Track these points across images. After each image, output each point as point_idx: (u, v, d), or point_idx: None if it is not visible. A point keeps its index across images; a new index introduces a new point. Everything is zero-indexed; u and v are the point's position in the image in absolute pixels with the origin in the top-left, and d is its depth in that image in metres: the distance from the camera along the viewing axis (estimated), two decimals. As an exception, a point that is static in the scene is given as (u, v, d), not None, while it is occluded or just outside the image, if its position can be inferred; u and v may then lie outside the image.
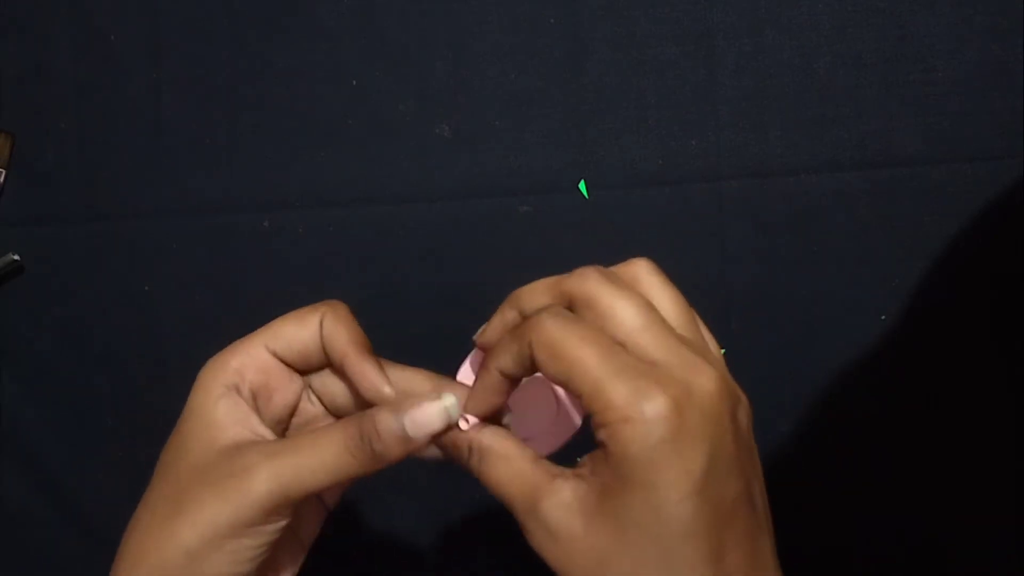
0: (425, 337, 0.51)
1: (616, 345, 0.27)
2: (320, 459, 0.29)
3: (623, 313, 0.28)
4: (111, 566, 0.30)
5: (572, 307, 0.29)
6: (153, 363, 0.55)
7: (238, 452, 0.30)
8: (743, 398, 0.29)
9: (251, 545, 0.29)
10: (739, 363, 0.49)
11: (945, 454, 0.48)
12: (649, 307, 0.28)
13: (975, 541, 0.47)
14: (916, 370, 0.48)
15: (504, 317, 0.31)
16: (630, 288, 0.29)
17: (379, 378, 0.31)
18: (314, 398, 0.35)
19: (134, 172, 0.55)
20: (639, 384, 0.26)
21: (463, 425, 0.30)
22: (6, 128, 0.57)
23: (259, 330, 0.33)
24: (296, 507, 0.30)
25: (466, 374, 0.34)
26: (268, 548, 0.29)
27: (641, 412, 0.25)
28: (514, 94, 0.52)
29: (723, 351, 0.50)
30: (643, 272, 0.30)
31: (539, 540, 0.27)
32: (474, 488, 0.51)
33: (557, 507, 0.27)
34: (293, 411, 0.34)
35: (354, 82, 0.54)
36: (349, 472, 0.29)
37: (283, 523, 0.29)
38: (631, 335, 0.27)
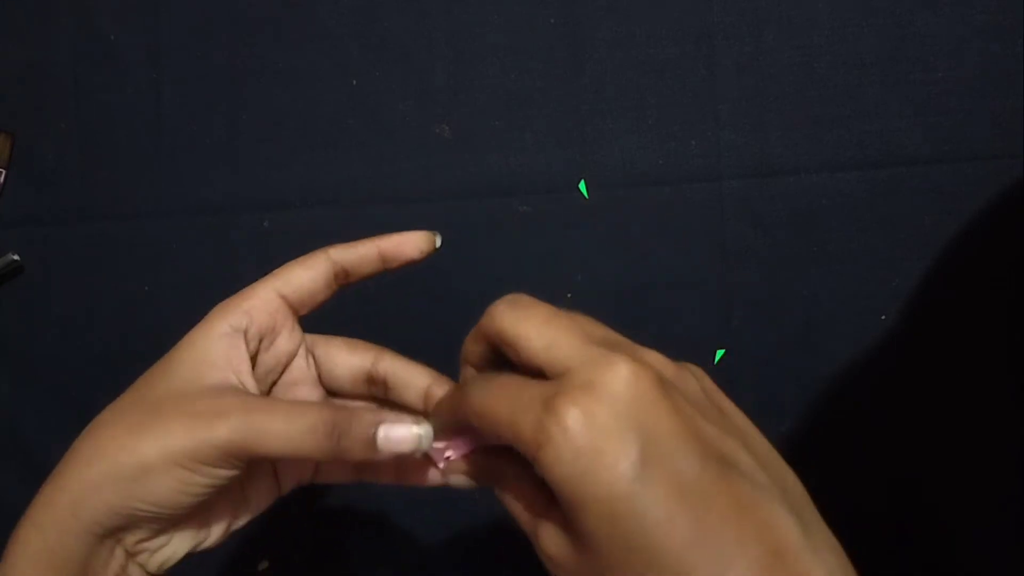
0: (424, 337, 0.51)
1: (524, 381, 0.27)
2: (288, 428, 0.30)
3: (528, 337, 0.28)
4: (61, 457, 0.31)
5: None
6: (153, 363, 0.55)
7: (219, 393, 0.31)
8: (684, 367, 0.29)
9: (199, 482, 0.30)
10: (739, 363, 0.50)
11: (946, 454, 0.48)
12: (548, 319, 0.28)
13: (977, 540, 0.47)
14: (916, 370, 0.48)
15: (463, 373, 0.33)
16: (530, 309, 0.29)
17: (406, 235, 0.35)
18: (311, 362, 0.36)
19: (134, 172, 0.55)
20: (542, 409, 0.26)
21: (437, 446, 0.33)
22: (6, 128, 0.57)
23: (269, 276, 0.35)
24: (250, 462, 0.31)
25: None
26: (213, 490, 0.30)
27: (548, 436, 0.25)
28: (514, 94, 0.52)
29: (723, 351, 0.51)
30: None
31: (546, 564, 0.28)
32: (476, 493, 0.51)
33: (550, 537, 0.27)
34: (287, 364, 0.35)
35: (354, 82, 0.54)
36: (308, 452, 0.30)
37: (234, 472, 0.30)
38: (539, 356, 0.28)
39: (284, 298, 0.34)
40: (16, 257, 0.56)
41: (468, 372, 0.33)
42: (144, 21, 0.56)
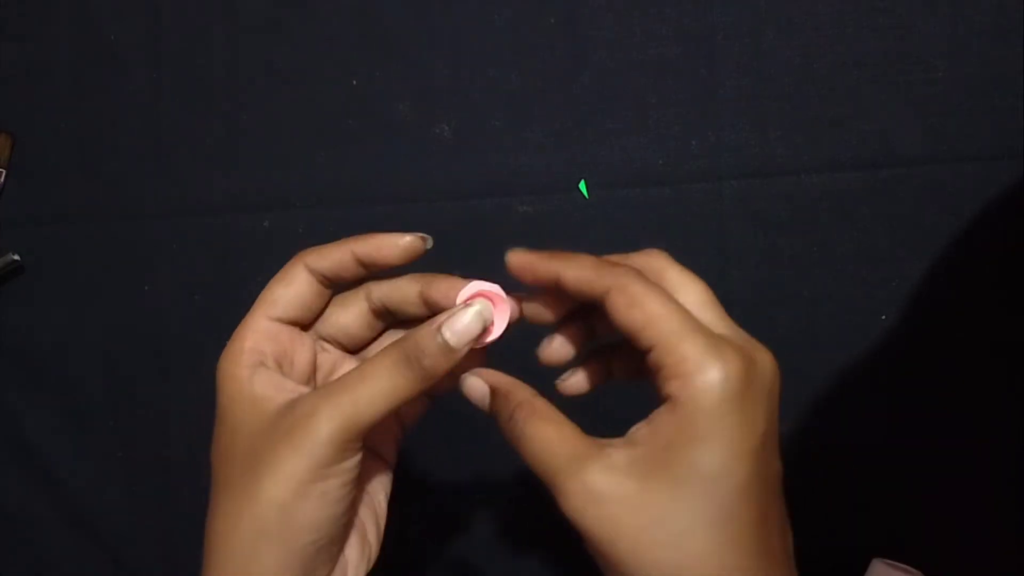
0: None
1: (689, 312, 0.29)
2: (374, 387, 0.30)
3: (690, 289, 0.31)
4: (202, 544, 0.31)
5: None
6: (153, 363, 0.55)
7: (294, 404, 0.31)
8: None
9: (336, 484, 0.30)
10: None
11: (945, 454, 0.48)
12: (709, 289, 0.31)
13: (977, 541, 0.47)
14: (916, 370, 0.48)
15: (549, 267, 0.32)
16: (690, 271, 0.31)
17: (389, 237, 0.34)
18: (327, 346, 0.36)
19: (134, 172, 0.55)
20: (714, 342, 0.28)
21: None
22: (6, 128, 0.57)
23: (254, 306, 0.34)
24: (366, 438, 0.30)
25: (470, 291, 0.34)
26: (353, 484, 0.30)
27: (717, 366, 0.27)
28: (514, 94, 0.52)
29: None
30: (665, 263, 0.32)
31: (580, 504, 0.28)
32: (475, 489, 0.51)
33: (607, 470, 0.28)
34: (314, 367, 0.35)
35: (354, 82, 0.54)
36: (403, 393, 0.30)
37: (358, 456, 0.30)
38: (696, 309, 0.30)
39: (279, 320, 0.34)
40: (16, 257, 0.56)
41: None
42: (144, 21, 0.56)
